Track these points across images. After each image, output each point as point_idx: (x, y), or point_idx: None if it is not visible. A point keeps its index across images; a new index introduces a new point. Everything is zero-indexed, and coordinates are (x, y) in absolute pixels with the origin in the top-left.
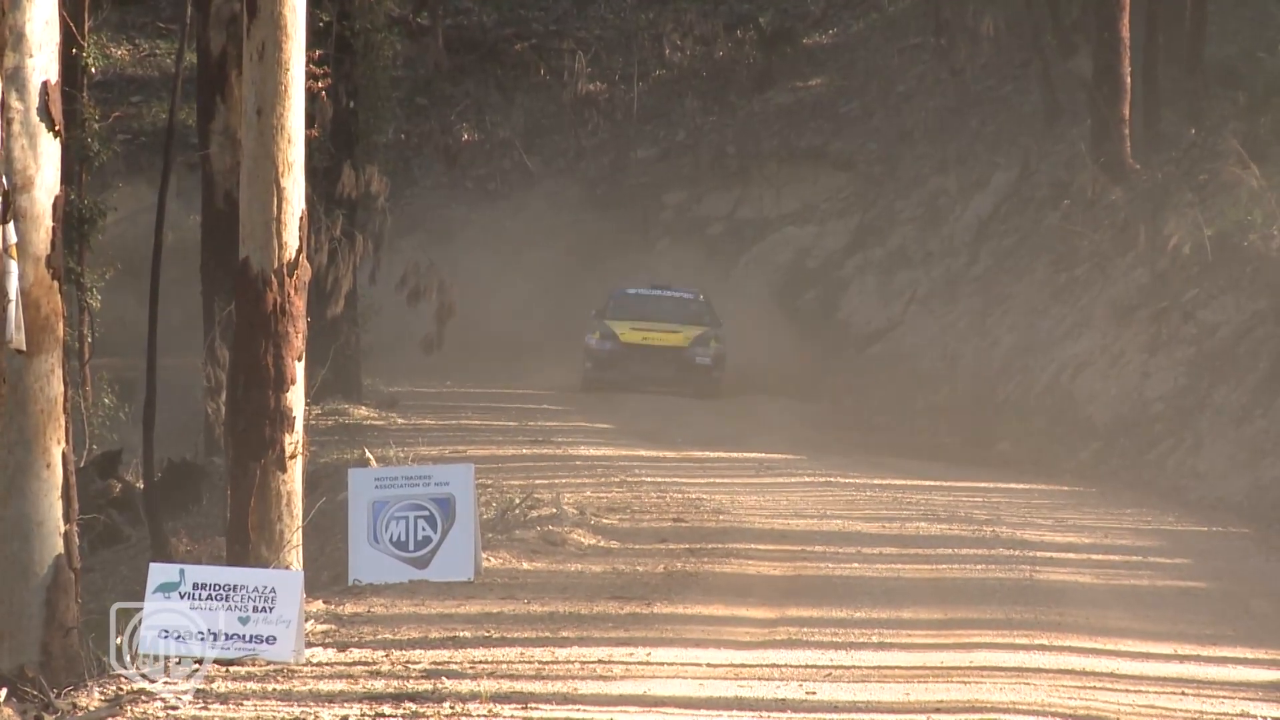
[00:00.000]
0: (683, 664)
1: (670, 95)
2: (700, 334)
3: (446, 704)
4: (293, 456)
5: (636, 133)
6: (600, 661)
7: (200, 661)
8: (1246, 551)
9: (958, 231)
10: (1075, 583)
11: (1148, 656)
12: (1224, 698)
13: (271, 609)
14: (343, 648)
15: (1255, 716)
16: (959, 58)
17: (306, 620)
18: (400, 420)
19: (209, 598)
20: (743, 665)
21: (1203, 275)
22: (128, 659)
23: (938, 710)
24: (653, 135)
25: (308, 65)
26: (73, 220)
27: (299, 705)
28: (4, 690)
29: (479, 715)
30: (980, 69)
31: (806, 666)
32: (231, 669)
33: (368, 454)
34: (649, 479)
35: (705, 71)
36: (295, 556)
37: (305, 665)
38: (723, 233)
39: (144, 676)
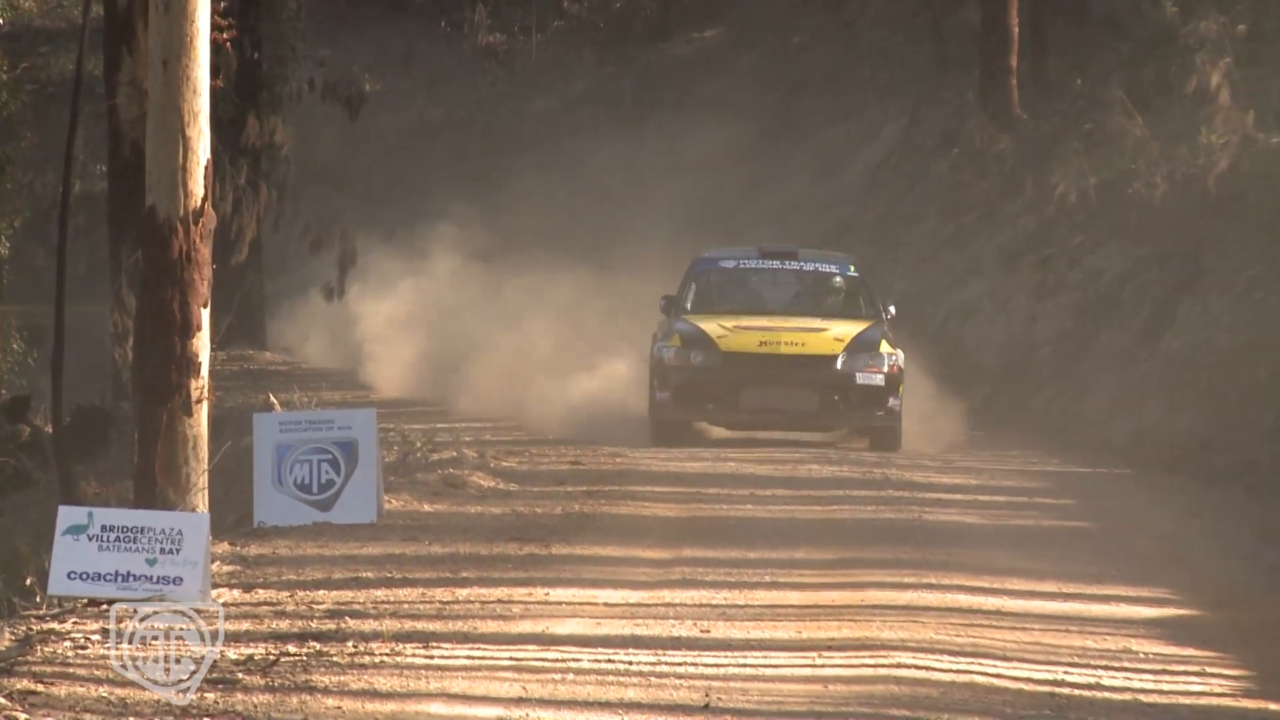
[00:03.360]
0: (580, 604)
1: (569, 47)
2: (862, 333)
3: (350, 643)
4: (199, 401)
5: (535, 84)
6: (499, 601)
7: (109, 602)
8: (1129, 492)
9: (850, 180)
10: (963, 523)
11: (1033, 595)
12: (1107, 634)
13: (178, 551)
14: (248, 588)
15: (1137, 652)
16: (851, 10)
17: (213, 562)
18: (304, 366)
19: (117, 540)
20: (638, 605)
21: (1088, 222)
22: (37, 600)
23: (829, 648)
24: (551, 86)
25: (213, 17)
26: None
27: (204, 644)
28: None
29: (382, 654)
30: (872, 20)
31: (701, 606)
32: (139, 609)
33: (272, 399)
34: None
35: (603, 23)
36: (202, 499)
37: (211, 606)
38: (620, 182)
39: (53, 617)
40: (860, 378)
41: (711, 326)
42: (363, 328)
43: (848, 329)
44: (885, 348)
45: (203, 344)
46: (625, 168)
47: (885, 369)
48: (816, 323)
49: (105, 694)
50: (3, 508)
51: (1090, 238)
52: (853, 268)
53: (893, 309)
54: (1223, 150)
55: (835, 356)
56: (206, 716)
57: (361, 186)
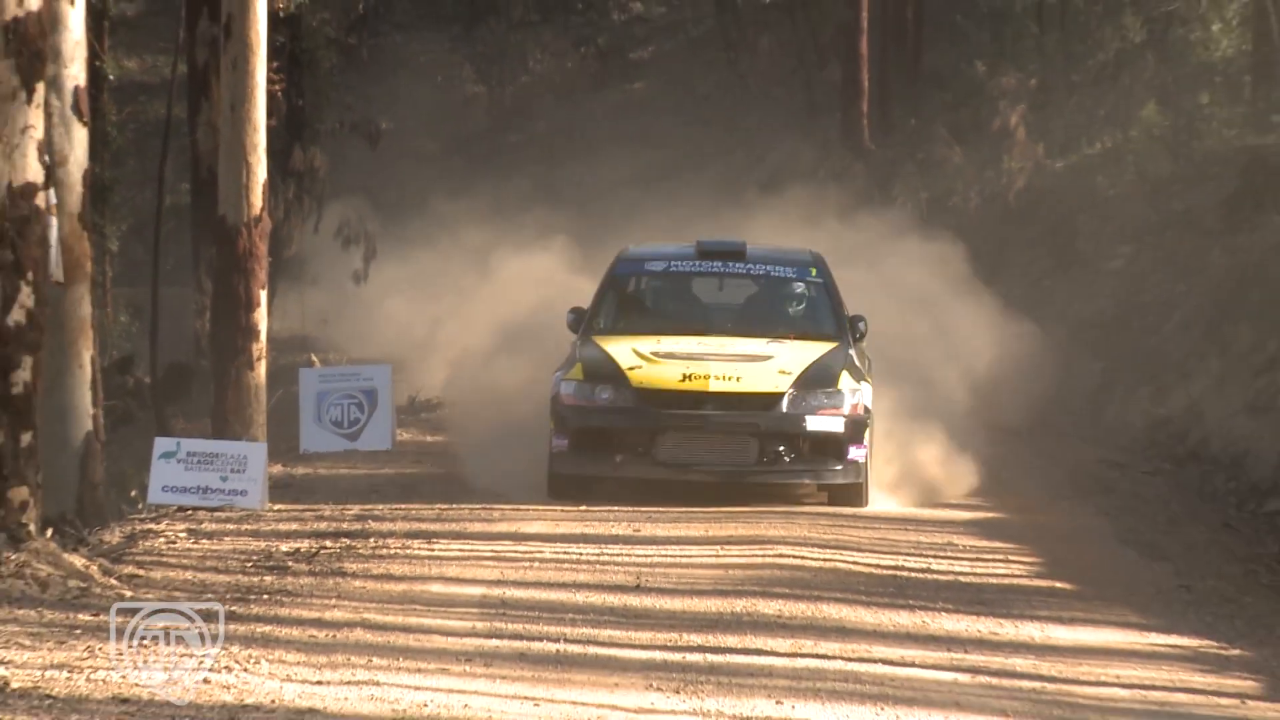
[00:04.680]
0: (542, 509)
1: (533, 95)
2: (818, 362)
3: (371, 540)
4: (259, 359)
5: (508, 123)
6: (483, 507)
7: (192, 509)
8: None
9: (744, 196)
10: None
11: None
12: (936, 532)
13: (244, 471)
14: (296, 499)
15: (959, 545)
16: (743, 68)
17: (269, 479)
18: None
19: (198, 462)
20: (586, 510)
21: (919, 226)
22: (139, 507)
23: (728, 542)
24: (520, 125)
25: (268, 73)
26: (96, 187)
27: (264, 540)
28: (50, 530)
29: (395, 548)
30: (759, 76)
31: (634, 510)
32: (215, 514)
33: (313, 358)
34: None
35: (558, 77)
36: (261, 433)
37: (268, 512)
38: (575, 195)
39: (151, 520)
40: (812, 423)
41: (624, 353)
42: (381, 305)
43: (799, 356)
44: (847, 381)
45: (261, 317)
46: (577, 183)
47: (846, 410)
48: (761, 347)
49: (189, 577)
50: (113, 439)
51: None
52: (814, 270)
53: (864, 325)
54: (1019, 173)
55: (779, 396)
56: (266, 593)
57: (378, 198)
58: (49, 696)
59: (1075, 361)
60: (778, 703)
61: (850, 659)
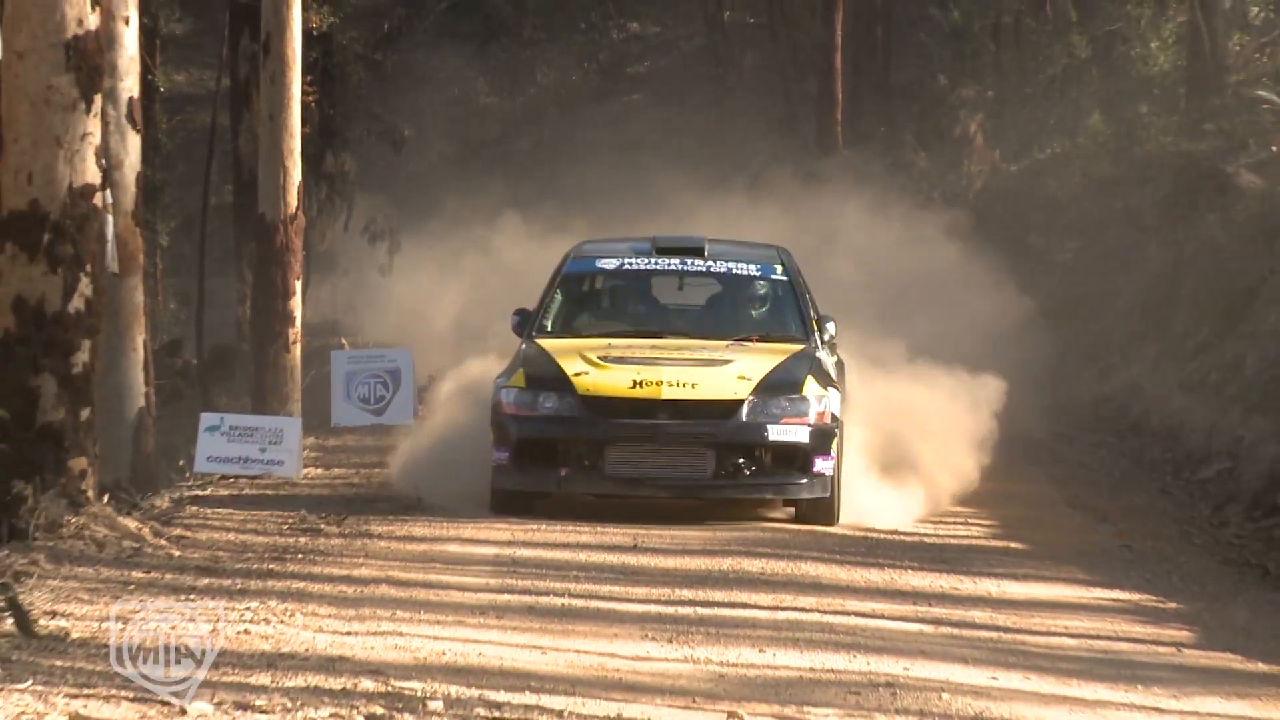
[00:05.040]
0: None
1: (541, 106)
2: (781, 365)
3: (396, 501)
4: (294, 343)
5: (519, 131)
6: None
7: (234, 477)
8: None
9: (730, 193)
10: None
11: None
12: None
13: (281, 443)
14: (327, 468)
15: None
16: (730, 81)
17: (303, 450)
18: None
19: (240, 435)
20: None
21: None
22: (186, 476)
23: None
24: (529, 132)
25: (303, 86)
26: (148, 188)
27: (298, 505)
28: (106, 496)
29: (416, 512)
30: (744, 89)
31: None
32: (255, 482)
33: (343, 341)
34: None
35: (563, 90)
36: (296, 408)
37: (302, 479)
38: (576, 194)
39: (198, 487)
40: (774, 432)
41: (570, 359)
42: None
43: (760, 361)
44: (812, 387)
45: (297, 305)
46: (578, 184)
47: (811, 418)
48: (720, 351)
49: (231, 538)
50: (164, 414)
51: None
52: (780, 267)
53: (832, 326)
54: (978, 175)
55: (739, 403)
56: (300, 553)
57: (402, 199)
58: (104, 645)
59: (1028, 345)
60: (760, 651)
61: (825, 612)
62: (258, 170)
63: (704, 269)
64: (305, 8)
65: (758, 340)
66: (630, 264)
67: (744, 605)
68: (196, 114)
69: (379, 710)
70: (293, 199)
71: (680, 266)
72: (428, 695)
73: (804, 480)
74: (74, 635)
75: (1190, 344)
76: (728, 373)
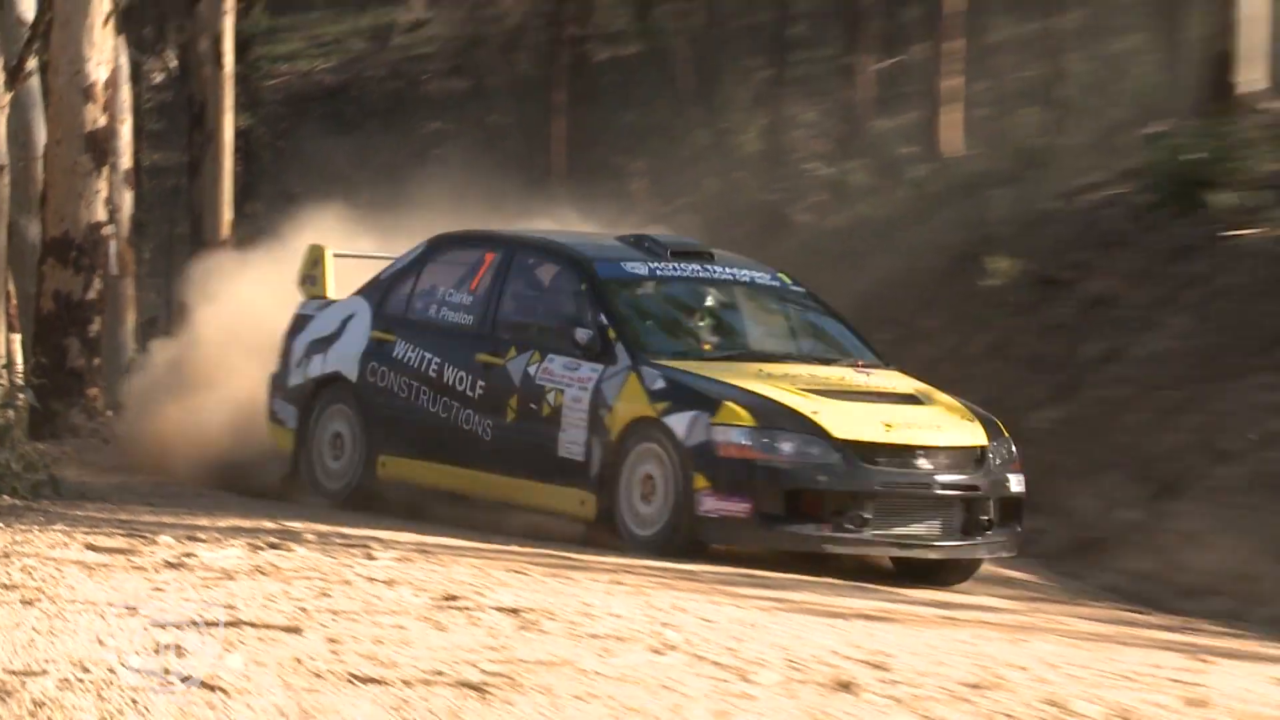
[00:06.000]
0: None
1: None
2: (951, 399)
3: None
4: None
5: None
6: None
7: None
8: None
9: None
10: None
11: None
12: None
13: None
14: None
15: None
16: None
17: None
18: None
19: None
20: None
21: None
22: None
23: None
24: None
25: (234, 160)
26: (136, 224)
27: None
28: (110, 410)
29: None
30: (492, 128)
31: None
32: None
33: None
34: None
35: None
36: None
37: None
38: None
39: None
40: (1014, 482)
41: (774, 391)
42: None
43: (932, 393)
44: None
45: None
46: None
47: (1012, 470)
48: (882, 380)
49: None
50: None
51: None
52: (786, 277)
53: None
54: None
55: (984, 449)
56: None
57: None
58: (110, 503)
59: None
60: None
61: None
62: (203, 213)
63: (730, 277)
64: (236, 113)
65: (864, 365)
66: (662, 270)
67: None
68: (167, 179)
69: (275, 540)
70: (225, 230)
71: (731, 276)
72: (304, 531)
73: (1017, 535)
74: (89, 497)
75: None
76: (947, 413)
